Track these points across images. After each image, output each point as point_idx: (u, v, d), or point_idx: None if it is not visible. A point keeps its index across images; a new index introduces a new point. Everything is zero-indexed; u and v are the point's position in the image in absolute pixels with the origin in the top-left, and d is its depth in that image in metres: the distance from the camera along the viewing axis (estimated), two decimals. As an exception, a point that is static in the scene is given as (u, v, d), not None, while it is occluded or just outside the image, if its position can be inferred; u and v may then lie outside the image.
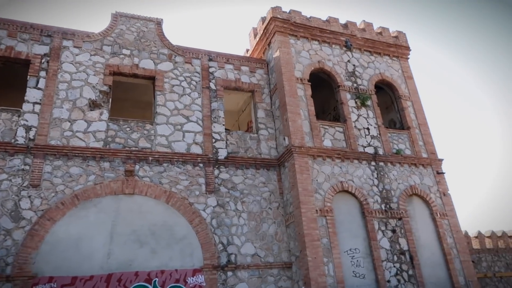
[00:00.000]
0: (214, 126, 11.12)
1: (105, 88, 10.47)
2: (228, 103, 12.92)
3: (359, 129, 12.03)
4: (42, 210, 8.63)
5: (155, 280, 8.85)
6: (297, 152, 10.81)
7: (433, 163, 12.48)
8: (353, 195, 11.01)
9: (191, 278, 9.14)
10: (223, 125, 11.33)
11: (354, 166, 11.40)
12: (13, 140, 9.05)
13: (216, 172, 10.59)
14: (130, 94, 12.52)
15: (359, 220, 10.79)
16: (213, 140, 10.93)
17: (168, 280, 8.95)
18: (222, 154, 10.84)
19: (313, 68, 12.47)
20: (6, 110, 9.41)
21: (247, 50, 14.59)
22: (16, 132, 9.17)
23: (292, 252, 10.30)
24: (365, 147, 11.83)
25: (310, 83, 12.14)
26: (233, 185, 10.63)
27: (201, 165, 10.49)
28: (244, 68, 12.46)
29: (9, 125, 9.21)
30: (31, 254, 8.20)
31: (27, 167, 8.91)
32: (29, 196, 8.67)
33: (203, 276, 9.25)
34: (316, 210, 10.30)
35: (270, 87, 12.50)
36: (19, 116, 9.37)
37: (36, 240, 8.33)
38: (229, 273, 9.53)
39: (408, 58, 14.41)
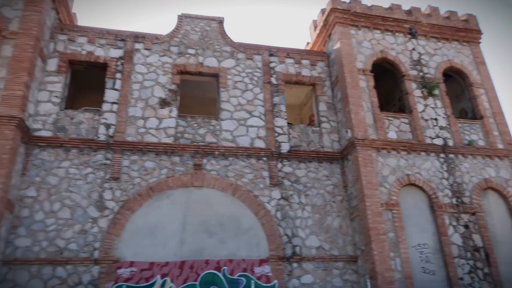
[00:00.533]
0: (276, 121, 11.45)
1: (173, 86, 11.24)
2: (289, 97, 13.18)
3: (426, 120, 11.70)
4: (122, 200, 9.56)
5: (224, 269, 9.42)
6: (360, 144, 10.81)
7: (510, 154, 11.78)
8: (421, 188, 10.77)
9: (258, 268, 9.60)
10: (285, 119, 11.62)
11: (422, 158, 11.13)
12: (95, 137, 10.10)
13: (280, 165, 10.93)
14: (195, 92, 13.26)
15: (428, 214, 10.55)
16: (276, 134, 11.27)
17: (236, 269, 9.49)
18: (285, 148, 11.15)
19: (375, 58, 12.30)
20: (89, 110, 10.50)
21: (308, 43, 14.73)
22: (97, 130, 10.21)
23: (358, 245, 10.36)
24: (433, 138, 11.48)
25: (372, 73, 12.01)
26: (296, 179, 10.90)
27: (264, 158, 10.89)
28: (304, 62, 12.64)
29: (91, 124, 10.28)
30: (114, 240, 9.15)
31: (108, 162, 9.90)
32: (111, 188, 9.65)
33: (269, 266, 9.67)
34: (382, 204, 10.25)
35: (332, 80, 12.55)
36: (99, 115, 10.41)
37: (118, 228, 9.27)
38: (295, 265, 9.85)
39: (479, 43, 13.64)
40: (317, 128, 11.83)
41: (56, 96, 10.33)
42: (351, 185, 10.98)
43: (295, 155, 11.11)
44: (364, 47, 12.36)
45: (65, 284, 8.55)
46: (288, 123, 11.76)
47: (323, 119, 11.96)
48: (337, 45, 12.30)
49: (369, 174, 10.55)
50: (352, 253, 10.38)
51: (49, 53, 10.76)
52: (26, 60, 9.58)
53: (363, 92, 11.61)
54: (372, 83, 11.88)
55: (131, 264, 9.01)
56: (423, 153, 11.19)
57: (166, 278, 9.02)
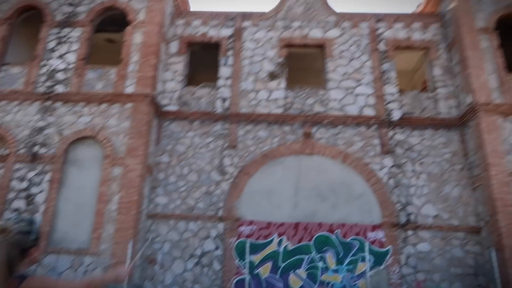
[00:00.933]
0: (385, 88, 11.34)
1: (280, 60, 11.86)
2: (399, 63, 12.82)
3: None
4: (240, 166, 10.58)
5: (337, 232, 9.87)
6: (483, 110, 10.15)
7: None
8: (558, 155, 9.76)
9: (371, 233, 9.83)
10: (396, 86, 11.43)
11: (560, 122, 10.02)
12: (213, 110, 11.27)
13: (391, 133, 10.86)
14: (301, 63, 13.72)
15: None
16: (386, 102, 11.18)
17: (349, 233, 9.86)
18: (396, 115, 11.01)
19: (500, 15, 11.27)
20: (207, 86, 11.72)
21: (419, 5, 14.04)
22: (215, 103, 11.36)
23: (481, 216, 9.87)
24: None
25: (497, 31, 11.06)
26: (410, 146, 10.73)
27: (374, 126, 10.92)
28: (415, 25, 12.16)
29: (210, 98, 11.47)
30: (235, 201, 10.23)
31: (225, 131, 11.00)
32: (230, 155, 10.73)
33: (383, 232, 9.83)
34: (510, 173, 9.58)
35: (447, 42, 11.88)
36: (216, 90, 11.56)
37: (237, 190, 10.33)
38: (410, 232, 9.83)
39: None
40: (432, 94, 11.38)
41: (178, 75, 11.73)
42: (472, 153, 10.41)
43: (407, 122, 10.91)
44: (485, 3, 11.40)
45: (196, 237, 9.91)
46: (399, 90, 11.54)
47: (438, 84, 11.44)
48: (453, 4, 11.55)
49: (493, 141, 9.90)
50: (474, 223, 9.93)
51: (170, 37, 12.21)
52: (153, 45, 11.06)
53: (485, 53, 10.79)
54: (496, 42, 10.96)
55: (251, 222, 10.01)
56: (561, 116, 10.06)
57: (282, 237, 9.83)
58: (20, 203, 9.58)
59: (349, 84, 11.48)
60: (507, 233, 9.11)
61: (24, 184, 9.74)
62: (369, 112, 11.11)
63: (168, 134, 10.99)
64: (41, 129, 10.19)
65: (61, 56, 10.94)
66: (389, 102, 11.19)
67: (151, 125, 10.45)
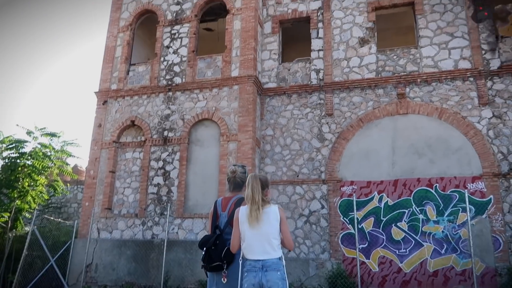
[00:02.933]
0: (482, 37, 12.08)
1: (370, 24, 13.29)
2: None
3: None
4: (338, 132, 12.60)
5: (436, 185, 11.39)
6: None
7: None
8: None
9: (471, 184, 11.14)
10: (494, 33, 12.07)
11: None
12: (309, 82, 13.35)
13: (489, 84, 11.73)
14: (390, 23, 14.89)
15: None
16: (483, 52, 11.97)
17: (448, 186, 11.31)
18: (495, 64, 11.76)
19: None
20: (301, 60, 13.80)
21: None
22: (310, 75, 13.41)
23: None
24: None
25: None
26: (510, 95, 11.51)
27: (471, 79, 11.88)
28: (515, -37, 12.41)
29: (304, 71, 13.55)
30: (335, 164, 12.36)
31: (321, 101, 13.05)
32: (327, 123, 12.80)
33: (483, 182, 11.07)
34: None
35: (554, -24, 11.98)
36: (310, 63, 13.57)
37: (337, 154, 12.42)
38: (513, 181, 10.91)
39: None
40: (536, 37, 11.80)
41: (274, 53, 14.01)
42: None
43: (507, 70, 11.61)
44: None
45: (303, 199, 12.36)
46: (496, 37, 12.11)
47: (544, 25, 11.78)
48: None
49: None
50: None
51: (264, 18, 14.46)
52: (251, 29, 13.43)
53: None
54: None
55: (352, 183, 12.08)
56: None
57: (382, 194, 11.73)
58: (159, 179, 13.04)
59: (443, 39, 12.46)
60: None
61: (160, 164, 13.16)
62: (464, 65, 12.05)
63: (270, 109, 13.45)
64: (167, 117, 13.47)
65: (175, 51, 14.01)
66: (486, 52, 11.95)
67: (255, 103, 12.98)
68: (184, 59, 13.82)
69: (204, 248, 3.50)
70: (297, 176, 12.62)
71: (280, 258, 3.29)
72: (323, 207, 12.18)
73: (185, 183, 12.73)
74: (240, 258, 3.28)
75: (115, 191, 13.46)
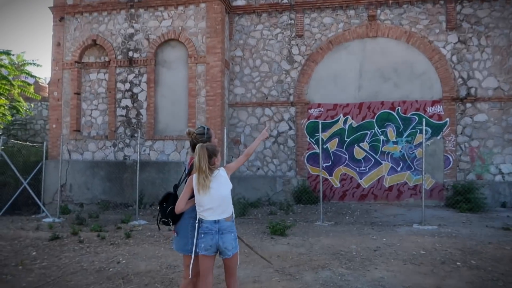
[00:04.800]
0: (456, -43, 11.81)
1: None
2: None
3: None
4: (307, 54, 12.61)
5: (398, 108, 11.99)
6: None
7: None
8: None
9: (430, 107, 11.81)
10: (468, -47, 11.83)
11: None
12: (280, 0, 12.88)
13: (458, 7, 11.80)
14: None
15: None
16: (455, -27, 11.82)
17: (410, 109, 11.94)
18: (465, -13, 11.76)
19: None
20: (270, -26, 13.15)
21: None
22: (280, -7, 12.95)
23: (543, 85, 11.20)
24: None
25: None
26: (477, 20, 11.70)
27: (441, 2, 11.87)
28: None
29: (274, -12, 13.02)
30: (304, 87, 12.59)
31: (292, 21, 12.78)
32: (297, 44, 12.71)
33: (441, 106, 11.74)
34: None
35: None
36: (280, -21, 13.00)
37: (306, 77, 12.58)
38: (468, 105, 11.62)
39: None
40: (508, -42, 11.69)
41: (242, -34, 13.21)
42: (544, 21, 11.19)
43: (477, -6, 11.67)
44: None
45: (272, 120, 12.75)
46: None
47: None
48: None
49: None
50: (535, 93, 11.34)
51: None
52: None
53: None
54: None
55: (319, 105, 12.47)
56: None
57: (347, 116, 12.26)
58: (127, 102, 12.90)
59: (417, -44, 12.11)
60: None
61: (127, 86, 12.92)
62: (436, -14, 11.94)
63: (239, 29, 13.09)
64: (131, 36, 12.88)
65: (134, -36, 12.92)
66: (459, -27, 11.82)
67: (224, 22, 12.56)
68: (146, -28, 12.83)
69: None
70: (266, 98, 12.84)
71: (233, 220, 3.61)
72: (290, 128, 12.66)
73: (154, 105, 12.70)
74: (196, 221, 3.55)
75: (82, 113, 13.30)
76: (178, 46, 12.64)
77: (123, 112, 12.89)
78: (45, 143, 13.32)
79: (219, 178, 3.52)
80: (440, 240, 7.40)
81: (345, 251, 6.72)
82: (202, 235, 3.49)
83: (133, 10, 12.84)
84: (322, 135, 11.94)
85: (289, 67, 12.72)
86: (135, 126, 12.71)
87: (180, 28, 12.48)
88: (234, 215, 3.64)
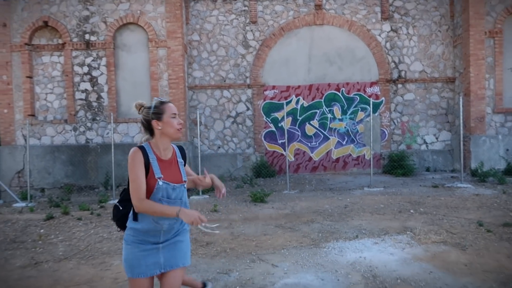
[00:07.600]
0: (389, -45, 13.54)
1: None
2: None
3: None
4: (261, 40, 13.71)
5: (343, 89, 13.69)
6: (473, -26, 12.72)
7: None
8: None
9: (369, 88, 13.66)
10: (398, -48, 13.61)
11: (536, -16, 12.75)
12: (233, -13, 13.72)
13: (390, 0, 13.63)
14: None
15: (531, 39, 12.90)
16: (388, -30, 13.58)
17: (352, 90, 13.70)
18: (396, -18, 13.59)
19: None
20: (223, -38, 13.83)
21: None
22: (233, -20, 13.73)
23: (457, 69, 13.56)
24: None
25: None
26: (406, 11, 13.66)
27: (377, -5, 13.63)
28: None
29: (227, -25, 13.75)
30: (259, 70, 13.73)
31: (246, 8, 13.71)
32: (251, 30, 13.73)
33: (378, 87, 13.65)
34: (485, 32, 12.80)
35: None
36: (233, -34, 13.75)
37: (261, 61, 13.71)
38: (399, 85, 13.67)
39: None
40: (430, -41, 13.69)
41: (195, -48, 13.70)
42: (458, 15, 13.43)
43: (406, -11, 13.58)
44: None
45: (230, 102, 13.76)
46: (401, -44, 13.73)
47: None
48: None
49: (477, 4, 12.80)
50: (451, 75, 13.70)
51: None
52: None
53: None
54: None
55: (273, 87, 13.73)
56: (538, -22, 12.75)
57: (299, 97, 13.69)
58: (86, 85, 13.02)
59: (355, -48, 13.63)
60: (475, 81, 12.93)
61: (85, 69, 12.99)
62: (372, -20, 13.62)
63: (196, 14, 13.72)
64: (86, 18, 12.89)
65: None
66: (391, -30, 13.58)
67: (181, 7, 13.07)
68: (101, -46, 12.78)
69: None
70: (224, 81, 13.76)
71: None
72: (248, 109, 13.79)
73: (115, 89, 13.00)
74: None
75: (37, 97, 13.13)
76: (138, 30, 12.97)
77: (83, 95, 12.99)
78: (-4, 128, 12.99)
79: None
80: (391, 197, 9.24)
81: (322, 210, 8.21)
82: None
83: (88, -7, 12.78)
84: (277, 114, 13.25)
85: (245, 51, 13.72)
86: (96, 110, 12.92)
87: (138, 11, 12.79)
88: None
